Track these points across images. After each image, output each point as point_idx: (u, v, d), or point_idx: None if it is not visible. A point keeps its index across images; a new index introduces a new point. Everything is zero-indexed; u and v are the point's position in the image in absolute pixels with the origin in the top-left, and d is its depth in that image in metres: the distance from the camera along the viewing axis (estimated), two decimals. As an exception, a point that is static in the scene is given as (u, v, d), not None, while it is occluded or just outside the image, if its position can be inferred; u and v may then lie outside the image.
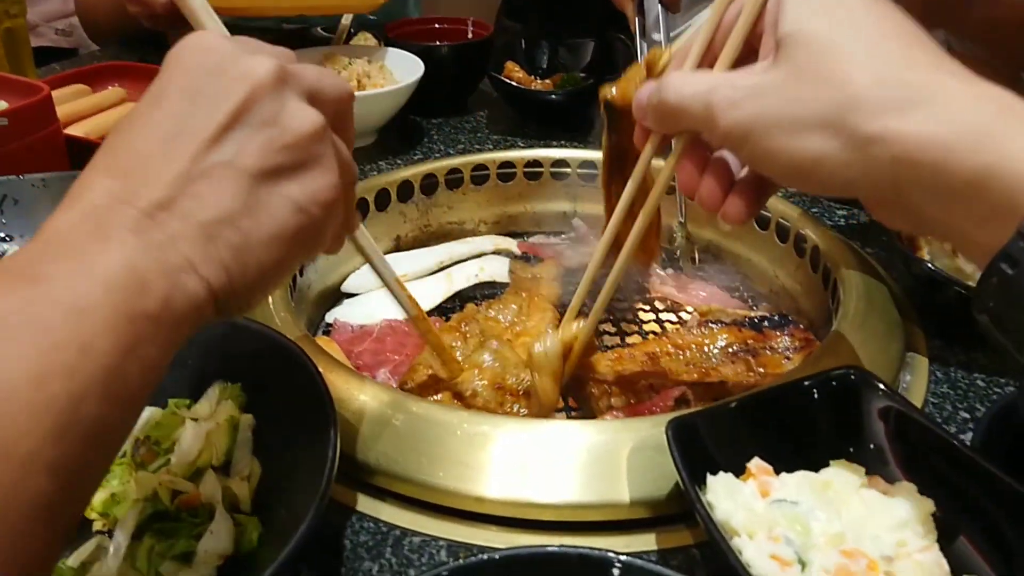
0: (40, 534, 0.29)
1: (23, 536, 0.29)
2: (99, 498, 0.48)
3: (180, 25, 1.20)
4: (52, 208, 0.75)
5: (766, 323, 0.72)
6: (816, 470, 0.48)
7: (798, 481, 0.47)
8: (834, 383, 0.51)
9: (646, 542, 0.50)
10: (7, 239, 0.74)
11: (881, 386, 0.50)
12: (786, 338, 0.70)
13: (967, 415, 0.60)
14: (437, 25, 1.21)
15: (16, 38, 1.07)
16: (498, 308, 0.74)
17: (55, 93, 0.91)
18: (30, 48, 1.11)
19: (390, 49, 1.09)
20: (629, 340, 0.75)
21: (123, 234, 0.33)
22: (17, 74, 1.06)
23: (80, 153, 0.90)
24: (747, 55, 0.47)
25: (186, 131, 0.36)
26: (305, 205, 0.39)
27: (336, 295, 0.81)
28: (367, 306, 0.78)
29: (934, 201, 0.39)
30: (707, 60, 0.49)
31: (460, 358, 0.65)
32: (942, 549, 0.43)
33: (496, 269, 0.84)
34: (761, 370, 0.67)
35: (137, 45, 1.40)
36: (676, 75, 0.47)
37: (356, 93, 0.97)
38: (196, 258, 0.35)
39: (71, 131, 0.93)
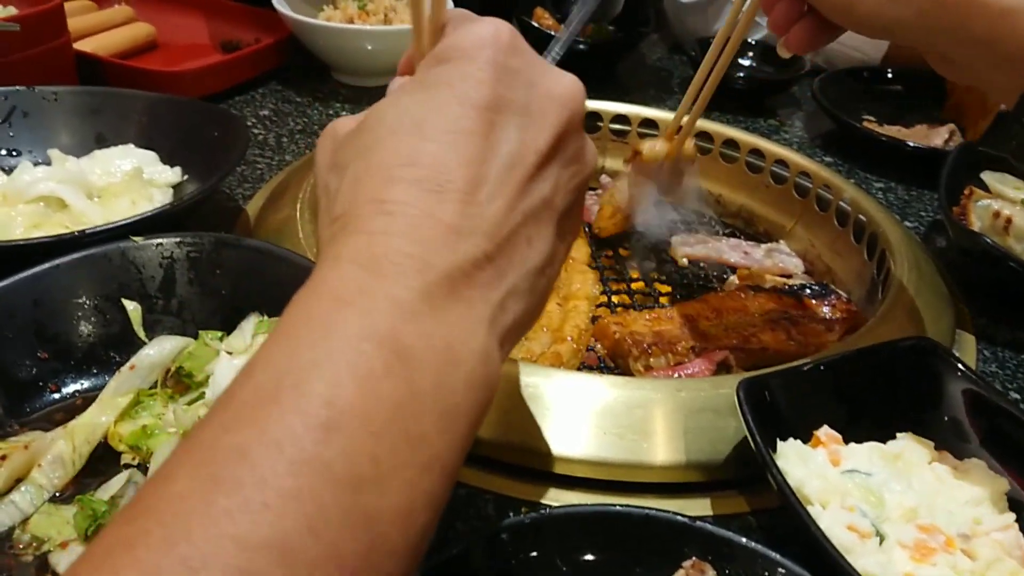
0: None
1: None
2: (128, 430, 0.45)
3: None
4: (66, 124, 0.71)
5: (807, 291, 0.69)
6: (884, 441, 0.46)
7: (868, 451, 0.45)
8: (906, 352, 0.49)
9: (702, 507, 0.48)
10: (15, 153, 0.70)
11: (952, 359, 0.48)
12: (827, 308, 0.68)
13: (1017, 395, 0.58)
14: (464, -36, 1.16)
15: (19, -57, 1.01)
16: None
17: None
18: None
19: (415, -15, 1.04)
20: (662, 300, 0.73)
21: (473, 290, 0.29)
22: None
23: (88, 69, 0.85)
24: None
25: (516, 159, 0.31)
26: (574, 236, 0.36)
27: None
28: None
29: (959, 46, 0.48)
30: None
31: None
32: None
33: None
34: (801, 339, 0.65)
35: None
36: None
37: (383, 28, 0.93)
38: (518, 316, 0.31)
39: (80, 46, 0.88)
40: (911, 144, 0.87)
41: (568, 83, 0.33)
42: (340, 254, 0.28)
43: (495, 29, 0.32)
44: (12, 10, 0.79)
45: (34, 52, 0.76)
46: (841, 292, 0.73)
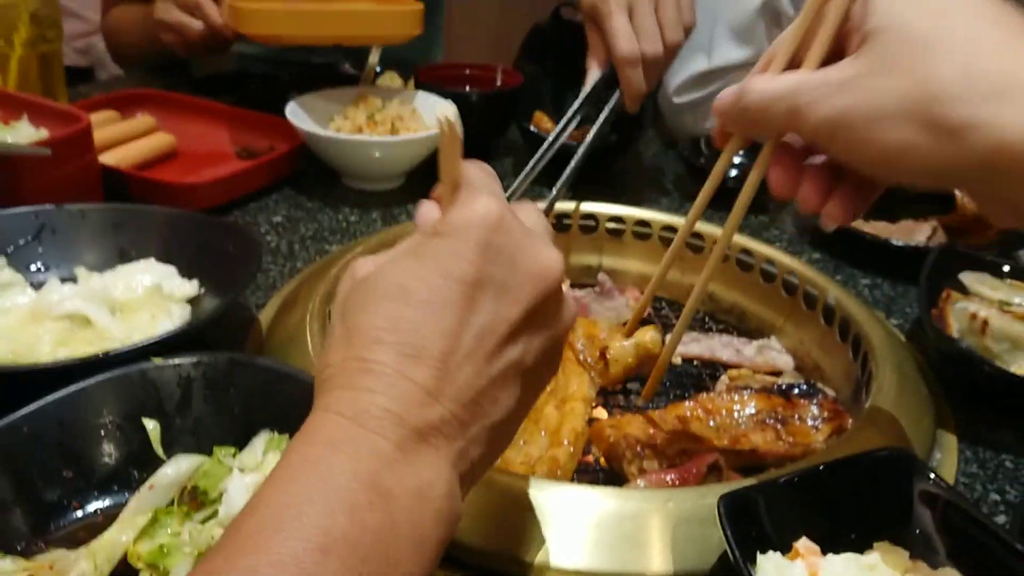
0: None
1: None
2: (147, 549, 0.47)
3: (212, 53, 1.22)
4: (91, 241, 0.76)
5: (795, 391, 0.72)
6: (861, 551, 0.48)
7: (844, 563, 0.47)
8: (881, 464, 0.51)
9: (690, 615, 0.50)
10: (43, 269, 0.74)
11: (926, 469, 0.51)
12: (815, 407, 0.71)
13: (997, 496, 0.61)
14: (467, 71, 1.22)
15: (50, 62, 1.09)
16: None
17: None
18: (63, 72, 1.12)
19: (420, 92, 1.10)
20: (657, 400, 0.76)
21: (440, 442, 0.34)
22: (48, 96, 1.07)
23: (112, 180, 0.90)
24: (832, 58, 0.46)
25: (488, 330, 0.36)
26: (544, 387, 0.41)
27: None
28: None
29: None
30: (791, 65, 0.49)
31: None
32: (990, 640, 0.44)
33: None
34: (791, 439, 0.68)
35: (161, 72, 1.41)
36: (759, 78, 0.48)
37: (390, 139, 0.98)
38: (476, 461, 0.36)
39: (104, 159, 0.93)
40: (894, 243, 0.91)
41: (546, 259, 0.38)
42: (329, 405, 0.34)
43: (486, 210, 0.37)
44: (44, 132, 0.84)
45: (62, 171, 0.81)
46: (828, 391, 0.75)
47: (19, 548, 0.48)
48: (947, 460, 0.64)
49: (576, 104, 0.92)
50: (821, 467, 0.51)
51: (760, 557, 0.47)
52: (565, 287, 0.41)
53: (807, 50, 0.48)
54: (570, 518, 0.52)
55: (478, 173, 0.41)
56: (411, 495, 0.32)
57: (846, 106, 0.43)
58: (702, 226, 0.89)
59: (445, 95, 1.08)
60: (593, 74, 0.92)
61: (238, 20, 0.99)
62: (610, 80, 0.92)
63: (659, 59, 0.89)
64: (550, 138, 0.90)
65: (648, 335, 0.76)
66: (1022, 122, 0.38)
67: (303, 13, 1.00)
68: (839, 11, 0.46)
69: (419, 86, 1.13)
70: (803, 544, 0.48)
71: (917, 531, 0.49)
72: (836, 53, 0.46)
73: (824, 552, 0.48)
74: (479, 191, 0.38)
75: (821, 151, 0.49)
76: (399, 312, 0.35)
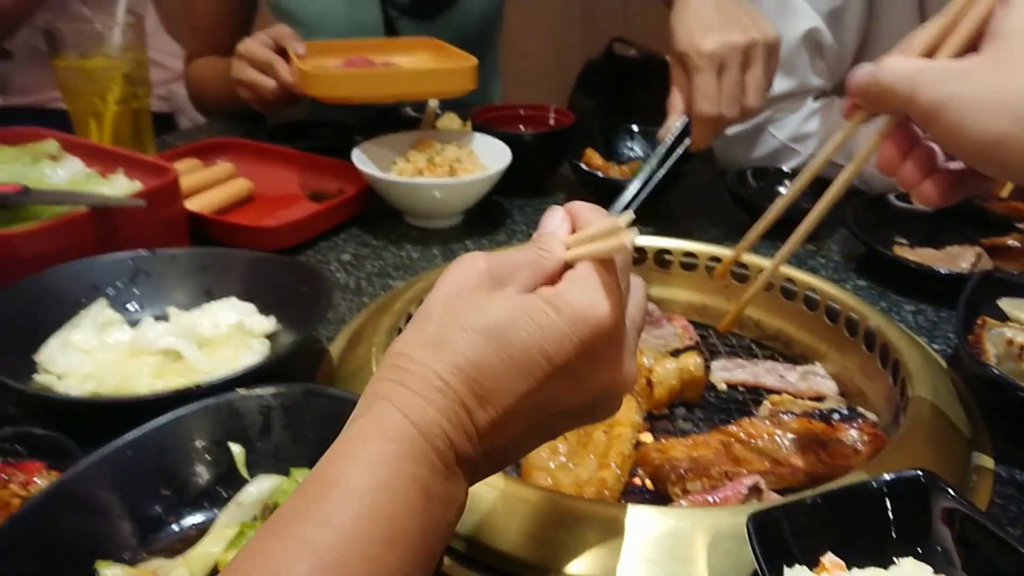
0: None
1: None
2: (235, 557, 0.54)
3: (285, 108, 1.31)
4: (180, 282, 0.84)
5: (835, 415, 0.75)
6: (885, 566, 0.52)
7: (869, 577, 0.50)
8: (903, 485, 0.54)
9: (724, 627, 0.54)
10: (139, 309, 0.82)
11: (948, 489, 0.53)
12: (854, 431, 0.74)
13: (1032, 518, 0.63)
14: (521, 111, 1.29)
15: (140, 117, 1.19)
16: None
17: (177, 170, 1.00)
18: (151, 125, 1.22)
19: (476, 134, 1.17)
20: (702, 425, 0.80)
21: (467, 468, 0.40)
22: (138, 148, 1.17)
23: (196, 224, 0.99)
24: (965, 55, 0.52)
25: (543, 402, 0.41)
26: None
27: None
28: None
29: None
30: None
31: (563, 457, 0.72)
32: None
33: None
34: (830, 461, 0.71)
35: (239, 120, 1.51)
36: (894, 58, 0.53)
37: (449, 180, 1.05)
38: (485, 474, 0.44)
39: (188, 205, 1.02)
40: (939, 270, 0.93)
41: (626, 375, 0.43)
42: (391, 397, 0.39)
43: (604, 316, 0.39)
44: (138, 184, 0.93)
45: (154, 219, 0.90)
46: (869, 415, 0.78)
47: (126, 558, 0.55)
48: (982, 482, 0.66)
49: (661, 151, 1.00)
50: (844, 488, 0.54)
51: (787, 571, 0.50)
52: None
53: (944, 43, 0.53)
54: (616, 535, 0.56)
55: (622, 260, 0.43)
56: (442, 505, 0.38)
57: (955, 91, 0.48)
58: (748, 257, 0.93)
59: (500, 136, 1.14)
60: (674, 121, 0.99)
61: (304, 83, 1.07)
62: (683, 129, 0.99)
63: (734, 122, 0.93)
64: (635, 187, 0.98)
65: (691, 360, 0.80)
66: None
67: (364, 75, 1.08)
68: (982, 11, 0.51)
69: (475, 128, 1.20)
70: (829, 559, 0.51)
71: (939, 548, 0.52)
72: (971, 50, 0.52)
73: (849, 568, 0.51)
74: (609, 290, 0.40)
75: (928, 133, 0.53)
76: (490, 357, 0.39)
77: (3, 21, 1.68)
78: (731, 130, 1.23)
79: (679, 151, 0.99)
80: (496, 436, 0.40)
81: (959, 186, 0.54)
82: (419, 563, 0.37)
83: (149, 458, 0.58)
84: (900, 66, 0.52)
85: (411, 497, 0.36)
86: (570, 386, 0.41)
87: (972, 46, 0.52)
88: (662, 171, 1.00)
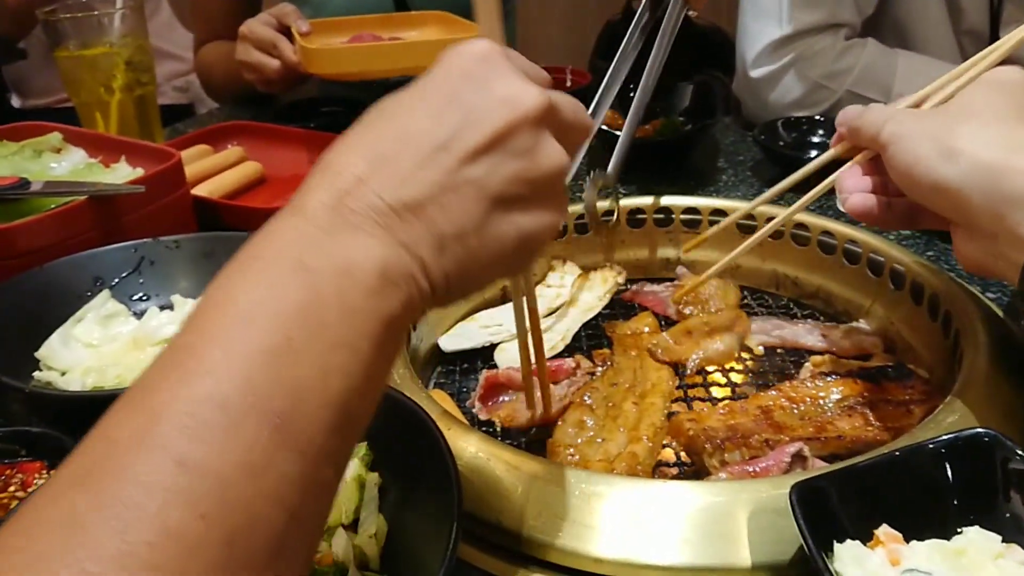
0: (322, 520, 0.34)
1: (318, 527, 0.34)
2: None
3: (291, 88, 1.27)
4: (185, 269, 0.81)
5: (883, 374, 0.70)
6: (948, 537, 0.47)
7: (929, 549, 0.46)
8: (964, 445, 0.49)
9: (770, 607, 0.49)
10: (145, 298, 0.79)
11: (1016, 448, 0.48)
12: (905, 391, 0.68)
13: (1107, 475, 0.57)
14: (537, 74, 1.23)
15: (146, 104, 1.16)
16: (613, 375, 0.75)
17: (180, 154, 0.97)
18: (158, 112, 1.20)
19: (491, 101, 1.12)
20: (739, 391, 0.75)
21: (373, 227, 0.36)
22: (145, 136, 1.15)
23: (205, 209, 0.96)
24: None
25: (448, 142, 0.38)
26: (528, 237, 0.41)
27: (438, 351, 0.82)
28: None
29: (988, 214, 0.52)
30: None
31: (592, 432, 0.68)
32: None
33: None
34: (880, 424, 0.66)
35: (250, 103, 1.48)
36: (878, 105, 0.63)
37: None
38: (430, 264, 0.38)
39: (196, 191, 0.99)
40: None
41: (520, 90, 0.40)
42: (306, 186, 0.38)
43: (478, 45, 0.41)
44: (140, 171, 0.90)
45: (157, 205, 0.87)
46: (921, 371, 0.73)
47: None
48: (1049, 437, 0.60)
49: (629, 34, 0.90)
50: (897, 452, 0.49)
51: (837, 546, 0.46)
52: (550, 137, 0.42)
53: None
54: (649, 514, 0.52)
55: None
56: (336, 271, 0.34)
57: (903, 128, 0.58)
58: (781, 211, 0.88)
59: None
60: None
61: (307, 60, 1.03)
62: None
63: None
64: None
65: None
66: (993, 155, 0.52)
67: (367, 50, 1.04)
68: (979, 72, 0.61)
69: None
70: (884, 531, 0.46)
71: (1007, 515, 0.47)
72: None
73: (907, 540, 0.46)
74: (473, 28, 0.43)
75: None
76: (370, 124, 0.39)
77: (14, 17, 1.67)
78: (757, 71, 1.17)
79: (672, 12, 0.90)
80: (395, 182, 0.37)
81: (905, 217, 0.63)
82: (311, 331, 0.33)
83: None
84: (879, 109, 0.62)
85: (274, 275, 0.34)
86: (466, 116, 0.39)
87: None
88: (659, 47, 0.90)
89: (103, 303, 0.75)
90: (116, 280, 0.79)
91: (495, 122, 0.39)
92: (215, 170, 1.09)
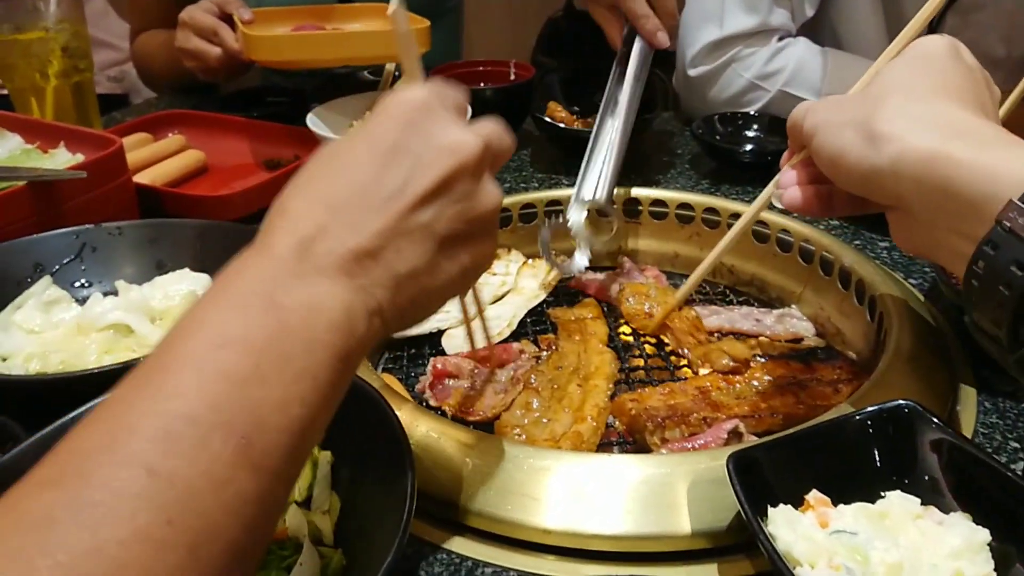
0: (271, 535, 0.36)
1: (267, 541, 0.36)
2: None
3: (232, 77, 1.26)
4: (129, 255, 0.80)
5: (814, 356, 0.73)
6: (872, 500, 0.50)
7: (855, 512, 0.49)
8: (887, 416, 0.52)
9: (708, 572, 0.52)
10: (88, 284, 0.78)
11: (933, 418, 0.52)
12: (834, 371, 0.72)
13: (1017, 444, 0.61)
14: (481, 68, 1.25)
15: (84, 91, 1.14)
16: (558, 359, 0.77)
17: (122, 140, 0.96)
18: (95, 99, 1.17)
19: (436, 92, 1.13)
20: (678, 373, 0.78)
21: (336, 273, 0.39)
22: (83, 124, 1.12)
23: (147, 198, 0.95)
24: None
25: (398, 192, 0.41)
26: (471, 268, 0.45)
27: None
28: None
29: (924, 203, 0.49)
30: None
31: (538, 413, 0.70)
32: (999, 578, 0.45)
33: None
34: (810, 402, 0.69)
35: (191, 92, 1.46)
36: (804, 102, 0.60)
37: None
38: (385, 304, 0.41)
39: (138, 179, 0.97)
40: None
41: (460, 137, 0.43)
42: (270, 228, 0.41)
43: (415, 94, 0.44)
44: (80, 156, 0.89)
45: (99, 192, 0.85)
46: (849, 353, 0.77)
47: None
48: (966, 412, 0.65)
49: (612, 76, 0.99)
50: (826, 423, 0.52)
51: (771, 510, 0.48)
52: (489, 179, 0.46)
53: None
54: (594, 486, 0.54)
55: (435, 79, 0.47)
56: (303, 307, 0.37)
57: (825, 117, 0.55)
58: (718, 202, 0.91)
59: (460, 93, 1.10)
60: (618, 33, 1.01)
61: (249, 47, 1.03)
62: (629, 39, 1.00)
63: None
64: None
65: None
66: (925, 142, 0.48)
67: (309, 38, 1.04)
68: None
69: (434, 86, 1.16)
70: (813, 496, 0.49)
71: (925, 478, 0.51)
72: None
73: (835, 503, 0.50)
74: (419, 82, 0.45)
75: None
76: (323, 171, 0.42)
77: None
78: (695, 70, 1.21)
79: (636, 52, 0.99)
80: (353, 231, 0.40)
81: (831, 202, 0.60)
82: (278, 360, 0.36)
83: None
84: (801, 104, 0.60)
85: (246, 308, 0.37)
86: (413, 164, 0.42)
87: None
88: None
89: (44, 289, 0.74)
90: (57, 267, 0.78)
91: (439, 170, 0.42)
92: (156, 158, 1.08)
